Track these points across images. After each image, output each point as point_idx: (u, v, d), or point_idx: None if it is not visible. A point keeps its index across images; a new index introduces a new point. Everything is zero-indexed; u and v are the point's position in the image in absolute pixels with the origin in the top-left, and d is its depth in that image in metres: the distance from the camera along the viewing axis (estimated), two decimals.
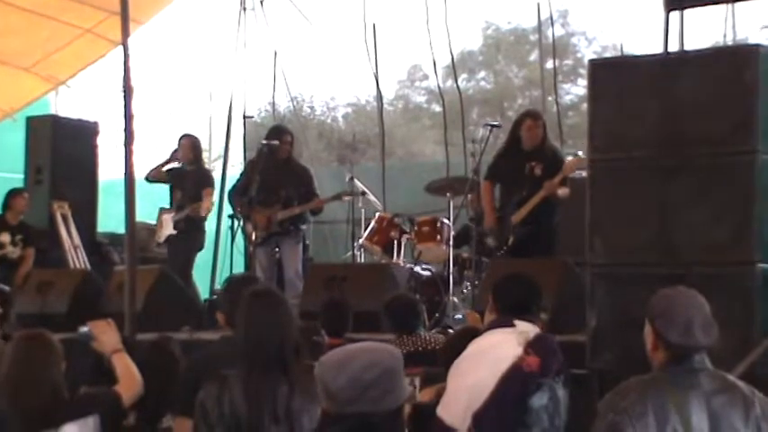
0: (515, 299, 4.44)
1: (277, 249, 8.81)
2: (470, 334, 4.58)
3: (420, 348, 5.69)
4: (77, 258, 9.45)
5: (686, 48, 7.57)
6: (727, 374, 3.40)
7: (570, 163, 7.67)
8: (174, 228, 9.09)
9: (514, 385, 4.09)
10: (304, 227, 8.99)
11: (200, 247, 9.27)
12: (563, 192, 7.65)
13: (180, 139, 9.35)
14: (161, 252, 9.35)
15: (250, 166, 9.01)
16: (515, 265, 6.23)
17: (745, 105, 5.02)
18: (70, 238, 9.50)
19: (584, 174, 6.11)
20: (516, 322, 4.29)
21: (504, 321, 4.35)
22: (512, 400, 4.09)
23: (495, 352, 4.22)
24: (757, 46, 5.23)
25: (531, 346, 4.15)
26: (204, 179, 9.22)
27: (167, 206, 9.30)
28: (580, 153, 7.90)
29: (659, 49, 7.29)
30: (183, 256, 8.97)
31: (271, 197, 8.65)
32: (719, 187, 5.06)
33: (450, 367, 4.31)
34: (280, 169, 8.69)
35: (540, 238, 7.63)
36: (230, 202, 9.05)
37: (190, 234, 9.11)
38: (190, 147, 9.26)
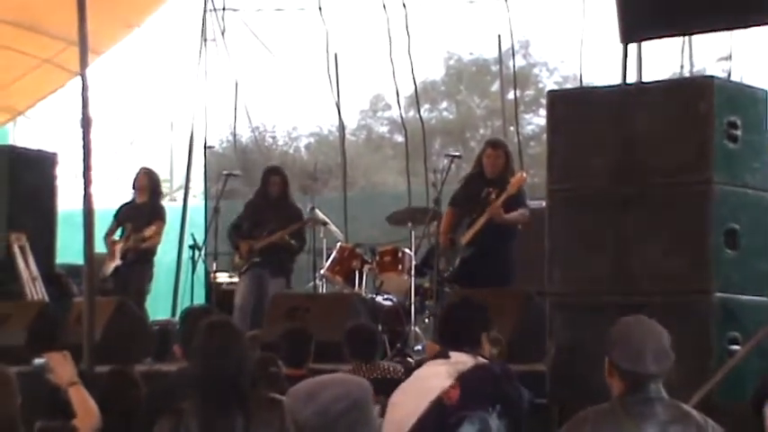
0: (451, 329, 4.47)
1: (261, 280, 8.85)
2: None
3: (378, 377, 5.68)
4: (35, 290, 9.32)
5: (644, 79, 7.66)
6: (682, 404, 3.42)
7: (512, 183, 7.77)
8: (122, 258, 9.06)
9: (433, 419, 4.10)
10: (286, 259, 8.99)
11: (150, 279, 9.21)
12: (511, 216, 7.72)
13: (137, 172, 9.41)
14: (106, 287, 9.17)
15: (248, 206, 9.20)
16: (473, 295, 6.23)
17: (701, 136, 5.08)
18: (28, 270, 9.37)
19: (543, 203, 6.14)
20: (452, 354, 4.30)
21: (441, 353, 4.38)
22: None
23: (423, 384, 4.23)
24: (712, 78, 5.32)
25: (460, 378, 4.15)
26: (155, 213, 9.22)
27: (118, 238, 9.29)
28: (522, 173, 8.06)
29: (618, 81, 7.40)
30: (134, 289, 8.89)
31: (259, 231, 8.84)
32: (676, 217, 5.11)
33: None
34: (272, 206, 8.88)
35: (492, 265, 7.69)
36: (229, 238, 9.13)
37: (139, 266, 9.08)
38: (145, 180, 9.32)
